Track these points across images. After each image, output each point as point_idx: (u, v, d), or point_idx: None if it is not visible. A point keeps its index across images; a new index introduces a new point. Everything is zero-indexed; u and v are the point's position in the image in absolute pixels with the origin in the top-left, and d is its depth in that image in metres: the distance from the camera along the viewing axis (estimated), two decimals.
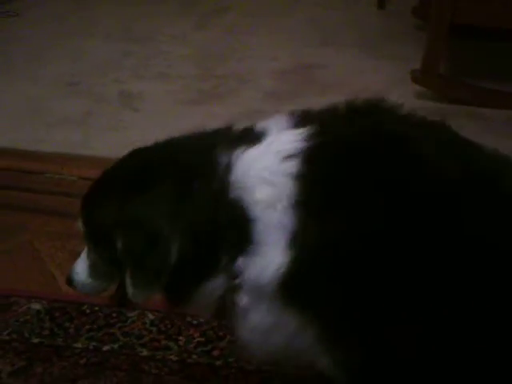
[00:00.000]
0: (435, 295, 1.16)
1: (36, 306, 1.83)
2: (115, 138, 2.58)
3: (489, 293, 1.17)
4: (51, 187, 2.34)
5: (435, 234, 1.16)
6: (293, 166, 1.19)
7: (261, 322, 1.24)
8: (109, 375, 1.63)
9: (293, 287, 1.18)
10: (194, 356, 1.67)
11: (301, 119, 1.28)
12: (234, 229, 1.20)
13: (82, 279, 1.39)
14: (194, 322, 1.75)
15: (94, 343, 1.71)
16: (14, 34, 3.53)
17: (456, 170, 1.20)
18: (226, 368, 1.63)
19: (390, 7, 3.70)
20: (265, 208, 1.19)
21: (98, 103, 2.89)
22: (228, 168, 1.23)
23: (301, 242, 1.17)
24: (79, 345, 1.71)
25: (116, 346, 1.70)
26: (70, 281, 1.42)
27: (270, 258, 1.18)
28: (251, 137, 1.27)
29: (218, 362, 1.65)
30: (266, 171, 1.20)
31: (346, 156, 1.20)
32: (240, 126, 1.34)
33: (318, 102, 1.33)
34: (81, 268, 1.39)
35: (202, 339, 1.71)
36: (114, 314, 1.78)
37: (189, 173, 1.25)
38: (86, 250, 1.39)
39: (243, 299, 1.23)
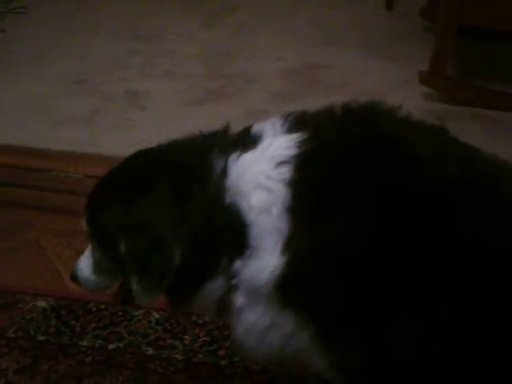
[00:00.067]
0: (435, 295, 1.17)
1: (42, 304, 1.83)
2: (122, 137, 2.58)
3: (488, 293, 1.17)
4: (57, 185, 2.34)
5: (434, 233, 1.16)
6: (286, 171, 1.21)
7: (256, 323, 1.25)
8: (114, 374, 1.63)
9: (288, 289, 1.20)
10: (200, 355, 1.67)
11: (295, 122, 1.28)
12: (231, 233, 1.23)
13: (86, 275, 1.41)
14: (200, 321, 1.75)
15: (99, 341, 1.71)
16: (20, 33, 3.53)
17: (455, 171, 1.20)
18: (232, 367, 1.63)
19: (398, 8, 3.69)
20: (260, 213, 1.21)
21: (104, 102, 2.88)
22: (224, 172, 1.25)
23: (295, 246, 1.18)
24: (85, 343, 1.71)
25: (122, 344, 1.71)
26: (74, 277, 1.43)
27: (265, 260, 1.20)
28: (247, 141, 1.28)
29: (224, 362, 1.65)
30: (261, 176, 1.22)
31: (338, 161, 1.21)
32: (244, 126, 1.34)
33: (323, 102, 1.33)
34: (85, 264, 1.41)
35: (208, 338, 1.71)
36: (120, 313, 1.79)
37: (189, 176, 1.27)
38: (89, 247, 1.40)
39: (239, 299, 1.25)
